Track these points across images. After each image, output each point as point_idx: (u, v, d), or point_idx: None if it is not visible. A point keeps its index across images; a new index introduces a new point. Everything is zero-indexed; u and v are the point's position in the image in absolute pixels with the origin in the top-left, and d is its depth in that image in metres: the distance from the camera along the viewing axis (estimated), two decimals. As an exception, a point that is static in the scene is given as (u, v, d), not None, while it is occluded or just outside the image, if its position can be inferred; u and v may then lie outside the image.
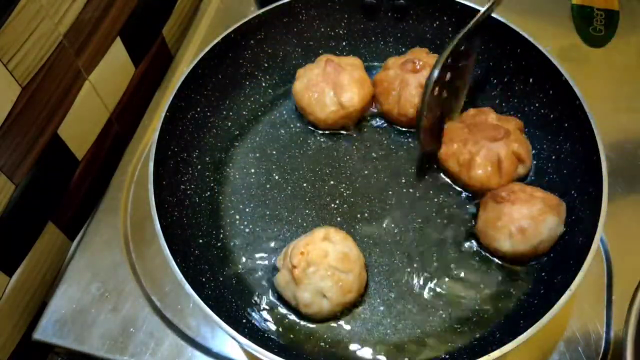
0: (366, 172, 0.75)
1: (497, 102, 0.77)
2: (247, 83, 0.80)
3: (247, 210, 0.73)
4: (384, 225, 0.71)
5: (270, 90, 0.82)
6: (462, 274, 0.67)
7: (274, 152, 0.77)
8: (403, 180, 0.74)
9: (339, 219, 0.71)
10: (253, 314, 0.65)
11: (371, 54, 0.84)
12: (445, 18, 0.79)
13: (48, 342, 0.67)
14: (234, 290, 0.67)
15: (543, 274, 0.64)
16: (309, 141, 0.78)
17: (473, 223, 0.70)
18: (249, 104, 0.80)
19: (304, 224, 0.71)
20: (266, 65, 0.81)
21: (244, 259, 0.69)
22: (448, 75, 0.70)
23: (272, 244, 0.70)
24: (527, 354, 0.65)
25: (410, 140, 0.77)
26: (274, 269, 0.67)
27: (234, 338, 0.56)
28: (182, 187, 0.71)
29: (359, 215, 0.72)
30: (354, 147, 0.77)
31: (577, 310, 0.67)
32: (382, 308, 0.66)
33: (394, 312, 0.65)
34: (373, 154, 0.76)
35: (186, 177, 0.72)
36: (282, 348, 0.62)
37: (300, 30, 0.81)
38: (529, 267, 0.66)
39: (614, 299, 0.67)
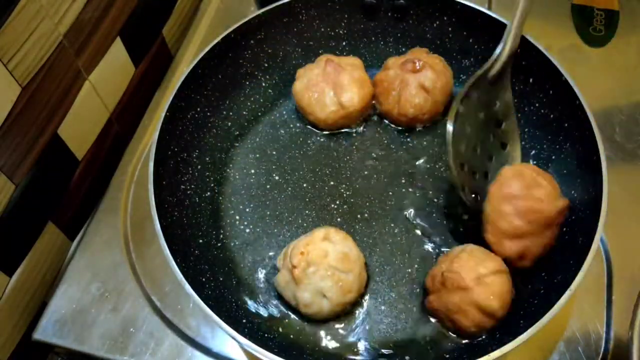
0: (366, 172, 0.75)
1: (497, 102, 0.77)
2: (247, 83, 0.80)
3: (247, 210, 0.73)
4: (384, 225, 0.71)
5: (270, 90, 0.82)
6: (462, 274, 0.67)
7: (274, 153, 0.77)
8: (403, 180, 0.74)
9: (339, 219, 0.71)
10: (253, 314, 0.65)
11: (371, 54, 0.84)
12: (445, 18, 0.79)
13: (48, 342, 0.67)
14: (234, 290, 0.67)
15: (543, 273, 0.64)
16: (309, 141, 0.78)
17: (472, 223, 0.70)
18: (249, 104, 0.80)
19: (304, 224, 0.71)
20: (266, 65, 0.81)
21: (244, 259, 0.69)
22: (480, 116, 0.67)
23: (272, 244, 0.70)
24: (527, 354, 0.65)
25: (410, 140, 0.77)
26: (274, 269, 0.67)
27: (234, 338, 0.56)
28: (182, 187, 0.71)
29: (359, 215, 0.72)
30: (354, 147, 0.77)
31: (577, 310, 0.67)
32: (382, 308, 0.66)
33: (394, 312, 0.65)
34: (373, 154, 0.76)
35: (186, 177, 0.72)
36: (282, 348, 0.62)
37: (300, 30, 0.81)
38: (529, 267, 0.66)
39: (614, 299, 0.67)
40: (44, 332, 0.67)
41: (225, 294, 0.66)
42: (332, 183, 0.74)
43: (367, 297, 0.66)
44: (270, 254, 0.69)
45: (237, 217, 0.72)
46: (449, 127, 0.64)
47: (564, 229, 0.64)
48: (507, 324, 0.60)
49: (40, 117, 0.66)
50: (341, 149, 0.77)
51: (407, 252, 0.69)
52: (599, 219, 0.59)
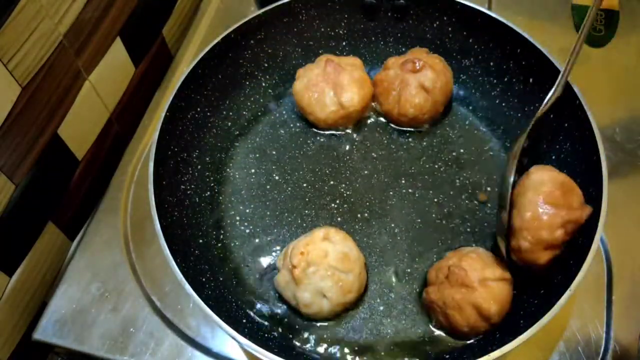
0: (366, 172, 0.75)
1: (497, 102, 0.77)
2: (247, 83, 0.80)
3: (247, 210, 0.73)
4: (384, 225, 0.71)
5: (270, 90, 0.82)
6: (462, 274, 0.67)
7: (274, 152, 0.77)
8: (403, 180, 0.74)
9: (339, 219, 0.71)
10: (253, 314, 0.65)
11: (371, 54, 0.84)
12: (445, 18, 0.79)
13: (48, 342, 0.67)
14: (234, 290, 0.67)
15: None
16: (309, 141, 0.78)
17: (472, 223, 0.70)
18: (249, 104, 0.80)
19: (304, 224, 0.71)
20: (266, 65, 0.81)
21: (244, 259, 0.69)
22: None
23: (272, 244, 0.70)
24: (527, 354, 0.65)
25: (410, 140, 0.77)
26: (274, 269, 0.67)
27: (234, 338, 0.56)
28: (182, 187, 0.71)
29: (359, 215, 0.72)
30: (354, 147, 0.77)
31: (577, 310, 0.67)
32: (382, 308, 0.66)
33: (394, 312, 0.65)
34: (373, 154, 0.76)
35: (186, 177, 0.72)
36: (282, 348, 0.62)
37: (300, 30, 0.81)
38: (529, 267, 0.66)
39: (614, 299, 0.67)
40: (44, 332, 0.67)
41: (225, 294, 0.66)
42: (332, 183, 0.74)
43: (367, 297, 0.66)
44: (271, 254, 0.69)
45: (237, 217, 0.72)
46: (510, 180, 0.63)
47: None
48: (507, 324, 0.60)
49: (40, 117, 0.66)
50: (341, 149, 0.77)
51: (407, 252, 0.69)
52: (599, 219, 0.59)
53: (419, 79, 0.74)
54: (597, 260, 0.69)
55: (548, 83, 0.71)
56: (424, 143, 0.77)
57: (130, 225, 0.74)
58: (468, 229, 0.70)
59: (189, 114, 0.74)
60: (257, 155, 0.77)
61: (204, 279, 0.65)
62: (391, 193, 0.73)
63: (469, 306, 0.59)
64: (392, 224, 0.71)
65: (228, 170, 0.76)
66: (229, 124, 0.79)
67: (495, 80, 0.78)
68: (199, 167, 0.74)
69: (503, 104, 0.77)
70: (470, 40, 0.78)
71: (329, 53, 0.80)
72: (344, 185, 0.74)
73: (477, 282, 0.59)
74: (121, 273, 0.70)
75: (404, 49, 0.81)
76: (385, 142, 0.77)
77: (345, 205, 0.72)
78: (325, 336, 0.64)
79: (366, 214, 0.72)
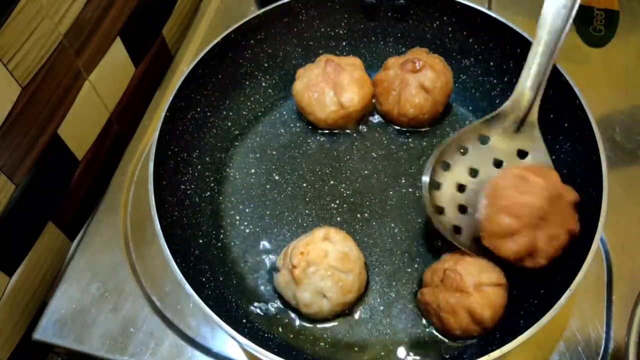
0: (366, 172, 0.75)
1: (497, 102, 0.77)
2: (247, 83, 0.80)
3: (247, 210, 0.73)
4: (384, 225, 0.71)
5: (270, 90, 0.82)
6: (462, 274, 0.67)
7: (274, 152, 0.77)
8: (403, 180, 0.74)
9: (339, 219, 0.71)
10: (253, 314, 0.65)
11: (371, 54, 0.84)
12: (445, 18, 0.79)
13: (48, 342, 0.67)
14: (234, 290, 0.67)
15: (543, 274, 0.64)
16: (309, 141, 0.78)
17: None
18: (249, 104, 0.80)
19: (304, 224, 0.71)
20: (266, 65, 0.81)
21: (244, 259, 0.69)
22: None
23: (272, 244, 0.70)
24: (527, 353, 0.65)
25: (410, 140, 0.77)
26: (274, 269, 0.67)
27: (234, 338, 0.56)
28: (182, 187, 0.71)
29: (359, 215, 0.72)
30: (354, 147, 0.77)
31: (577, 310, 0.67)
32: (382, 308, 0.66)
33: (394, 312, 0.65)
34: (373, 154, 0.76)
35: (186, 177, 0.72)
36: (282, 348, 0.62)
37: (300, 30, 0.81)
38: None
39: (614, 299, 0.67)
40: (44, 332, 0.67)
41: (225, 294, 0.66)
42: (332, 183, 0.74)
43: (367, 297, 0.66)
44: (270, 254, 0.69)
45: (237, 217, 0.72)
46: (424, 177, 0.65)
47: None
48: (507, 324, 0.60)
49: (40, 117, 0.66)
50: (341, 149, 0.77)
51: (407, 252, 0.69)
52: (599, 219, 0.59)
53: (419, 79, 0.74)
54: (597, 260, 0.69)
55: (548, 83, 0.71)
56: (424, 143, 0.77)
57: (130, 225, 0.74)
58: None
59: (189, 114, 0.74)
60: (257, 155, 0.77)
61: (204, 279, 0.65)
62: (391, 193, 0.73)
63: (462, 310, 0.59)
64: (392, 224, 0.71)
65: (228, 170, 0.76)
66: (229, 124, 0.79)
67: (495, 80, 0.78)
68: (199, 167, 0.74)
69: (503, 104, 0.77)
70: (470, 40, 0.78)
71: (329, 53, 0.80)
72: (344, 185, 0.74)
73: (472, 287, 0.60)
74: (121, 273, 0.70)
75: (404, 49, 0.81)
76: (385, 142, 0.77)
77: (345, 205, 0.72)
78: (325, 336, 0.64)
79: (366, 214, 0.72)
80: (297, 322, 0.65)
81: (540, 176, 0.61)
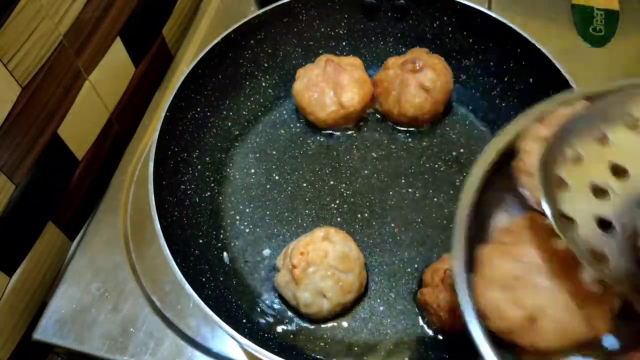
0: (366, 172, 0.75)
1: (497, 102, 0.77)
2: (247, 83, 0.80)
3: (247, 210, 0.73)
4: (384, 225, 0.71)
5: (270, 90, 0.82)
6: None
7: (274, 152, 0.77)
8: (403, 180, 0.74)
9: (339, 219, 0.71)
10: (253, 314, 0.65)
11: (371, 54, 0.84)
12: (445, 18, 0.79)
13: (48, 342, 0.67)
14: (234, 290, 0.67)
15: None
16: (309, 141, 0.78)
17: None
18: (249, 104, 0.80)
19: (304, 224, 0.71)
20: (266, 65, 0.81)
21: (244, 259, 0.69)
22: None
23: (272, 244, 0.70)
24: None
25: (410, 140, 0.77)
26: (274, 269, 0.67)
27: (234, 338, 0.56)
28: (182, 187, 0.71)
29: (359, 215, 0.72)
30: (354, 147, 0.77)
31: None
32: (382, 308, 0.66)
33: (394, 312, 0.65)
34: (373, 154, 0.76)
35: (186, 177, 0.72)
36: (282, 348, 0.62)
37: (300, 30, 0.81)
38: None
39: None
40: (44, 332, 0.67)
41: (225, 294, 0.66)
42: (332, 183, 0.74)
43: (367, 297, 0.66)
44: (271, 254, 0.69)
45: (237, 217, 0.72)
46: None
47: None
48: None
49: (40, 117, 0.65)
50: (341, 149, 0.77)
51: (407, 252, 0.69)
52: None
53: (419, 79, 0.74)
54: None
55: (548, 83, 0.71)
56: (424, 143, 0.77)
57: (130, 225, 0.74)
58: (468, 229, 0.70)
59: (189, 114, 0.74)
60: (257, 155, 0.77)
61: (204, 279, 0.65)
62: (391, 193, 0.73)
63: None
64: (392, 224, 0.71)
65: (228, 170, 0.76)
66: (229, 124, 0.79)
67: (495, 80, 0.78)
68: (199, 167, 0.74)
69: (503, 104, 0.77)
70: (470, 40, 0.78)
71: (329, 53, 0.80)
72: (344, 185, 0.74)
73: None
74: (121, 273, 0.70)
75: (404, 49, 0.81)
76: (385, 142, 0.77)
77: (345, 205, 0.72)
78: (325, 336, 0.64)
79: (366, 214, 0.72)
80: (297, 322, 0.65)
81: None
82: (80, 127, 0.73)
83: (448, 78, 0.76)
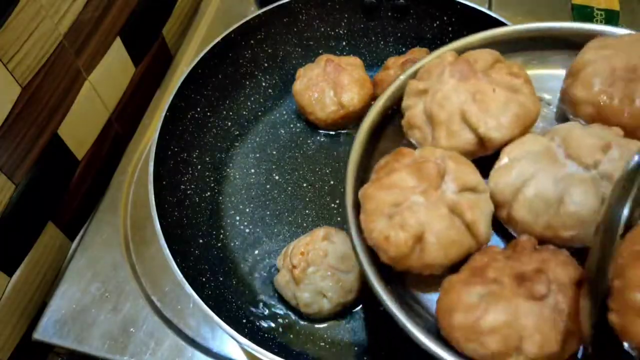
0: (366, 172, 0.75)
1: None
2: (247, 83, 0.80)
3: (247, 210, 0.73)
4: (384, 225, 0.71)
5: (270, 90, 0.82)
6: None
7: (274, 153, 0.77)
8: (403, 180, 0.74)
9: (339, 218, 0.71)
10: (253, 314, 0.65)
11: (371, 54, 0.84)
12: (445, 18, 0.79)
13: (48, 342, 0.67)
14: (234, 290, 0.67)
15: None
16: (309, 141, 0.78)
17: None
18: (249, 104, 0.80)
19: (304, 224, 0.71)
20: (266, 65, 0.81)
21: (244, 259, 0.69)
22: None
23: (272, 244, 0.70)
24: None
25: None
26: (274, 269, 0.67)
27: (234, 338, 0.56)
28: (182, 187, 0.71)
29: (359, 215, 0.72)
30: (354, 147, 0.77)
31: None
32: (382, 308, 0.65)
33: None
34: (373, 154, 0.76)
35: (186, 177, 0.72)
36: (282, 348, 0.62)
37: (300, 30, 0.81)
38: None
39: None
40: (44, 332, 0.67)
41: (225, 294, 0.66)
42: (332, 183, 0.74)
43: (367, 298, 0.66)
44: (270, 254, 0.69)
45: (237, 217, 0.72)
46: None
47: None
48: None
49: (40, 117, 0.66)
50: (341, 148, 0.77)
51: (407, 252, 0.69)
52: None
53: (419, 79, 0.74)
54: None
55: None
56: (424, 143, 0.77)
57: (130, 225, 0.74)
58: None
59: (189, 114, 0.74)
60: (257, 155, 0.77)
61: (204, 279, 0.65)
62: (391, 193, 0.73)
63: None
64: (392, 224, 0.71)
65: (228, 170, 0.76)
66: (229, 124, 0.79)
67: (495, 80, 0.78)
68: (199, 167, 0.74)
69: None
70: (471, 40, 0.78)
71: (329, 53, 0.80)
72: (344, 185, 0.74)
73: None
74: (121, 273, 0.70)
75: (404, 49, 0.81)
76: (385, 142, 0.77)
77: (345, 205, 0.72)
78: (325, 336, 0.64)
79: (366, 214, 0.72)
80: (297, 322, 0.65)
81: None
82: (80, 127, 0.73)
83: (448, 78, 0.76)
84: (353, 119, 0.77)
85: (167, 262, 0.59)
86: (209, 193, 0.74)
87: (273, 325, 0.65)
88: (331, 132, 0.78)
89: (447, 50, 0.62)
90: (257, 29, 0.78)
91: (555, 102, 0.61)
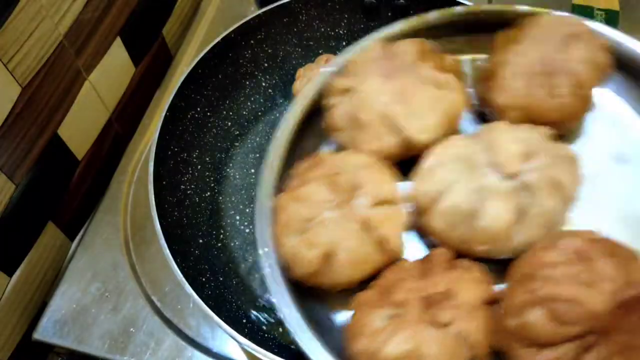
0: (366, 172, 0.75)
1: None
2: (247, 83, 0.80)
3: (247, 210, 0.73)
4: (384, 225, 0.71)
5: (270, 90, 0.82)
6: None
7: (274, 152, 0.77)
8: (403, 180, 0.74)
9: (339, 219, 0.71)
10: (253, 314, 0.65)
11: (371, 54, 0.84)
12: (445, 18, 0.79)
13: (48, 342, 0.67)
14: (234, 290, 0.67)
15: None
16: (309, 141, 0.78)
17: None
18: (249, 104, 0.80)
19: (304, 224, 0.71)
20: (266, 65, 0.81)
21: (244, 259, 0.69)
22: None
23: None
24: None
25: (410, 140, 0.77)
26: (274, 269, 0.67)
27: (234, 338, 0.56)
28: (182, 187, 0.71)
29: (359, 215, 0.71)
30: (354, 147, 0.77)
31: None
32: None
33: (394, 312, 0.65)
34: (373, 154, 0.76)
35: (186, 177, 0.72)
36: (282, 348, 0.62)
37: (300, 30, 0.81)
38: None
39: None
40: (44, 332, 0.67)
41: (225, 294, 0.66)
42: (332, 183, 0.74)
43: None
44: (270, 254, 0.69)
45: (237, 217, 0.72)
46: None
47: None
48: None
49: (40, 117, 0.65)
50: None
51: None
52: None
53: (418, 79, 0.74)
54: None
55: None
56: (424, 143, 0.77)
57: (130, 225, 0.74)
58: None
59: (189, 114, 0.74)
60: (257, 155, 0.77)
61: (204, 279, 0.65)
62: (391, 193, 0.73)
63: None
64: (392, 224, 0.71)
65: (228, 170, 0.76)
66: (229, 124, 0.79)
67: (495, 80, 0.78)
68: (199, 167, 0.74)
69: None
70: (470, 40, 0.78)
71: (329, 53, 0.80)
72: (344, 185, 0.74)
73: None
74: (121, 273, 0.70)
75: (404, 49, 0.81)
76: (385, 142, 0.77)
77: (345, 205, 0.72)
78: (325, 336, 0.64)
79: (366, 214, 0.71)
80: (297, 322, 0.65)
81: (615, 261, 0.41)
82: (80, 127, 0.73)
83: (448, 78, 0.75)
84: (353, 119, 0.77)
85: (167, 262, 0.59)
86: (209, 193, 0.74)
87: (273, 325, 0.65)
88: (331, 132, 0.78)
89: (374, 41, 0.58)
90: (257, 29, 0.78)
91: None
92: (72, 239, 0.76)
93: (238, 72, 0.79)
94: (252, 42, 0.78)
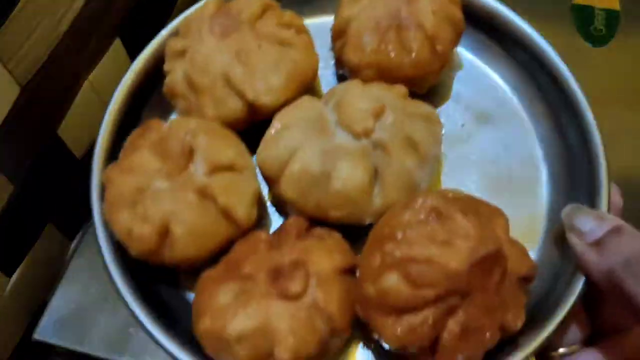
0: (366, 172, 0.75)
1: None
2: (247, 83, 0.80)
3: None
4: (384, 225, 0.70)
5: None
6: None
7: (274, 152, 0.77)
8: (403, 181, 0.74)
9: (339, 219, 0.71)
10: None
11: (371, 53, 0.83)
12: (445, 18, 0.78)
13: (48, 342, 0.67)
14: (233, 290, 0.67)
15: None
16: (309, 141, 0.77)
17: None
18: (249, 103, 0.80)
19: (304, 224, 0.71)
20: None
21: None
22: None
23: (272, 244, 0.70)
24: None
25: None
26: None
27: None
28: (182, 187, 0.71)
29: (359, 216, 0.71)
30: (354, 147, 0.77)
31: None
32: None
33: (394, 312, 0.65)
34: (373, 154, 0.76)
35: (186, 177, 0.72)
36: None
37: (300, 30, 0.81)
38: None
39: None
40: (44, 332, 0.67)
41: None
42: (332, 183, 0.74)
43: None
44: (270, 254, 0.69)
45: (237, 217, 0.72)
46: None
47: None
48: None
49: (40, 117, 0.65)
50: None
51: (407, 253, 0.69)
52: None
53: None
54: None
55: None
56: (424, 143, 0.77)
57: (130, 225, 0.74)
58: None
59: (189, 114, 0.74)
60: (257, 155, 0.77)
61: (203, 279, 0.65)
62: (391, 193, 0.73)
63: None
64: (392, 224, 0.70)
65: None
66: (229, 123, 0.78)
67: (495, 80, 0.77)
68: (199, 167, 0.74)
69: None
70: (471, 40, 0.78)
71: (329, 53, 0.80)
72: (344, 186, 0.74)
73: None
74: (121, 273, 0.70)
75: (404, 49, 0.81)
76: (386, 142, 0.77)
77: (346, 206, 0.72)
78: (325, 336, 0.64)
79: (366, 214, 0.71)
80: (297, 322, 0.65)
81: (474, 219, 0.39)
82: (80, 127, 0.73)
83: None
84: (353, 119, 0.77)
85: (167, 262, 0.59)
86: (209, 193, 0.74)
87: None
88: (331, 132, 0.78)
89: None
90: (257, 28, 0.78)
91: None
92: (71, 239, 0.76)
93: (238, 72, 0.79)
94: (252, 42, 0.78)
